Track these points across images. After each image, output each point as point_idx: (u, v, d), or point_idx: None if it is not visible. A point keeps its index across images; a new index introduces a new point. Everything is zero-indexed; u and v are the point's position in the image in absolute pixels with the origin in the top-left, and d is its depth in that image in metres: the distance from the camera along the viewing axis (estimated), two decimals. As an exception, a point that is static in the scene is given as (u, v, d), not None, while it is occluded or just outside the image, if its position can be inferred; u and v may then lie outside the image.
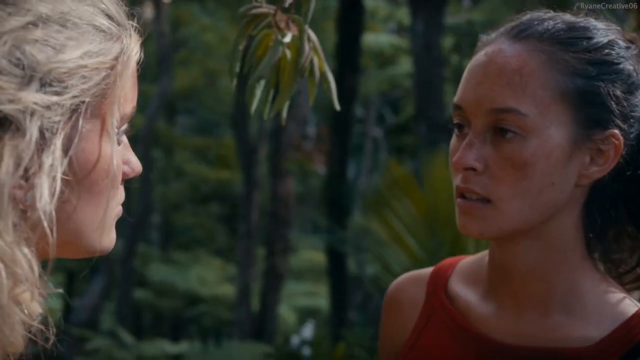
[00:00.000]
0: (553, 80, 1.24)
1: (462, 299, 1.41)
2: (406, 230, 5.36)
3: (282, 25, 1.54)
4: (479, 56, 1.29)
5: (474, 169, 1.26)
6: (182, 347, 10.91)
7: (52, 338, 0.77)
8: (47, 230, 0.76)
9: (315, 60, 1.56)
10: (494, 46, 1.28)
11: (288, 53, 1.53)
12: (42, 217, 0.75)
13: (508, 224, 1.26)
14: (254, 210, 12.55)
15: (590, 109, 1.26)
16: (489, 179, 1.25)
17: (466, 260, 1.47)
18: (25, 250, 0.75)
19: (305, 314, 14.09)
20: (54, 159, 0.76)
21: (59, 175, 0.77)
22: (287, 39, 1.51)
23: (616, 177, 1.30)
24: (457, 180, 1.28)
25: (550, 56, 1.25)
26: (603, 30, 1.30)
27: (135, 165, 0.89)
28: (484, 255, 1.43)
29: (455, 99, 1.31)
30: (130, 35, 0.83)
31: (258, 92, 1.54)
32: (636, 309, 1.31)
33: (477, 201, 1.27)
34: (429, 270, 1.49)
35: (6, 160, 0.73)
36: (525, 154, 1.23)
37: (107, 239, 0.86)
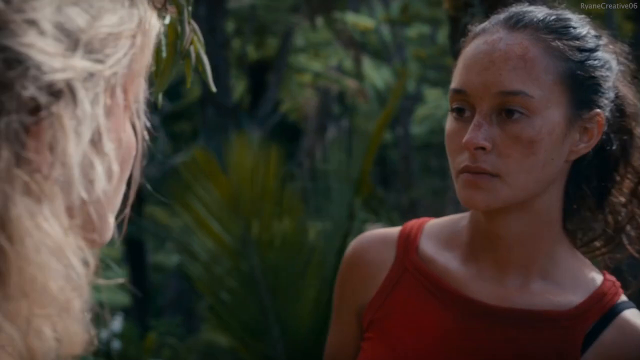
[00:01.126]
0: (552, 65, 1.36)
1: (438, 261, 1.47)
2: (210, 215, 5.35)
3: (160, 6, 1.51)
4: (479, 44, 1.38)
5: (483, 148, 1.34)
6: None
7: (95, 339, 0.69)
8: (95, 218, 0.69)
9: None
10: (493, 35, 1.38)
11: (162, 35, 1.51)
12: (89, 201, 0.67)
13: (513, 196, 1.36)
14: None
15: (581, 90, 1.38)
16: (497, 157, 1.34)
17: (434, 224, 1.53)
18: (79, 239, 0.67)
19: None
20: (101, 135, 0.69)
21: (112, 154, 0.70)
22: (167, 20, 1.48)
23: (597, 153, 1.43)
24: (461, 160, 1.36)
25: (547, 43, 1.37)
26: (580, 21, 1.43)
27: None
28: (456, 219, 1.51)
29: (457, 84, 1.38)
30: (144, 3, 0.77)
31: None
32: (602, 277, 1.44)
33: (484, 174, 1.35)
34: (394, 230, 1.54)
35: (71, 135, 0.66)
36: (532, 132, 1.34)
37: (112, 229, 0.78)
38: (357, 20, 10.05)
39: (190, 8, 1.46)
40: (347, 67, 11.70)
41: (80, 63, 0.67)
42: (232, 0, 9.92)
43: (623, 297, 1.43)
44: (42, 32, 0.66)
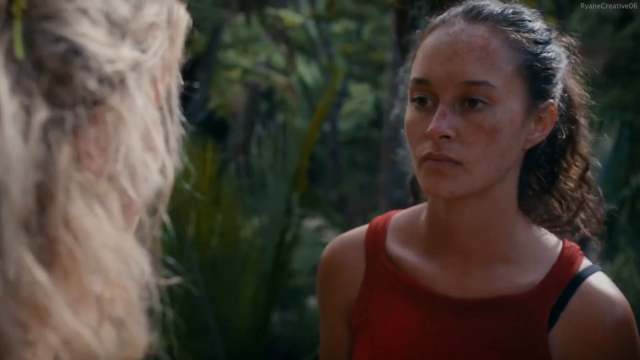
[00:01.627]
0: (512, 57, 1.39)
1: (405, 260, 1.50)
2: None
3: None
4: (440, 35, 1.41)
5: (447, 137, 1.36)
6: None
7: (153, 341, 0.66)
8: (144, 218, 0.65)
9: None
10: (455, 27, 1.41)
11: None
12: (138, 202, 0.64)
13: (475, 183, 1.39)
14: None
15: (537, 81, 1.42)
16: (460, 145, 1.37)
17: (397, 218, 1.56)
18: (134, 239, 0.64)
19: None
20: (150, 129, 0.66)
21: (162, 149, 0.67)
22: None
23: (548, 142, 1.48)
24: (423, 148, 1.39)
25: (507, 35, 1.40)
26: (533, 15, 1.47)
27: None
28: (417, 212, 1.54)
29: (419, 74, 1.41)
30: None
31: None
32: (561, 246, 1.47)
33: (447, 162, 1.37)
34: (362, 230, 1.57)
35: (127, 129, 0.62)
36: (494, 121, 1.37)
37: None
38: (286, 16, 10.05)
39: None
40: (276, 63, 11.68)
41: (129, 53, 0.64)
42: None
43: (585, 262, 1.46)
44: (94, 22, 0.63)
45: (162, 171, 0.67)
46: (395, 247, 1.53)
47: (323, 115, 5.88)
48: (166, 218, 0.70)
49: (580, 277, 1.44)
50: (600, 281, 1.44)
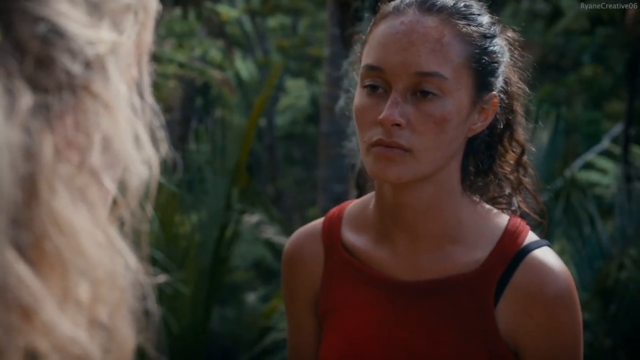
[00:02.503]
0: (463, 50, 1.43)
1: (359, 248, 1.55)
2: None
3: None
4: (394, 24, 1.44)
5: (398, 125, 1.40)
6: None
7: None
8: (128, 212, 0.61)
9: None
10: (409, 16, 1.44)
11: None
12: (130, 192, 0.60)
13: (423, 170, 1.43)
14: None
15: (483, 74, 1.46)
16: (411, 133, 1.41)
17: (350, 208, 1.61)
18: (117, 232, 0.60)
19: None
20: (130, 117, 0.62)
21: (145, 138, 0.62)
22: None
23: (488, 130, 1.53)
24: (373, 134, 1.42)
25: (460, 28, 1.44)
26: (481, 9, 1.51)
27: None
28: (366, 202, 1.58)
29: (373, 61, 1.44)
30: None
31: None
32: (505, 223, 1.51)
33: (398, 148, 1.41)
34: (319, 222, 1.61)
35: (110, 116, 0.58)
36: (444, 112, 1.42)
37: None
38: (222, 10, 9.98)
39: None
40: (212, 57, 11.59)
41: (108, 35, 0.61)
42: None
43: (531, 238, 1.50)
44: (72, 0, 0.59)
45: (147, 162, 0.63)
46: (350, 236, 1.56)
47: (261, 110, 5.85)
48: (150, 212, 0.66)
49: (525, 251, 1.47)
50: (545, 254, 1.47)
